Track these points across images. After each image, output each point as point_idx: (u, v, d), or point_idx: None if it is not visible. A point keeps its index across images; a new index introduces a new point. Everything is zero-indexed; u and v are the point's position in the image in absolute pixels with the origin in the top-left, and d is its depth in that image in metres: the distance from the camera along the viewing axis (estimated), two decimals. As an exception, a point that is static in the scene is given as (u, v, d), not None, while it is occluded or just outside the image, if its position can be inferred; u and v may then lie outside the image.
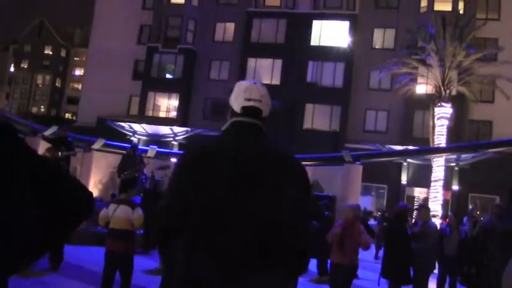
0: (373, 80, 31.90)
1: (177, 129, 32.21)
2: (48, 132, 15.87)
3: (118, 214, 5.99)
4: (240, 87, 2.29)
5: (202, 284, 1.96)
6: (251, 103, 2.23)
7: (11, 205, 1.34)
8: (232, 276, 1.95)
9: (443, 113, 22.00)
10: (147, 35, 38.05)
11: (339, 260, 6.76)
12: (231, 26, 36.56)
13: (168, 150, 23.77)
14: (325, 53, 33.17)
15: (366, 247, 7.09)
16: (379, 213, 23.19)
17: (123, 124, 31.73)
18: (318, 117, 33.34)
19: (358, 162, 16.94)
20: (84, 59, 66.70)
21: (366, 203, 23.48)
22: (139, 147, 16.98)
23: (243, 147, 2.13)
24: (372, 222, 18.53)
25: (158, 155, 18.01)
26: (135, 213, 5.99)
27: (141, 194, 13.66)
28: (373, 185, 30.31)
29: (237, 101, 2.24)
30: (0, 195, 1.31)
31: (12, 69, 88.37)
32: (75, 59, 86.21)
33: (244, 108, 2.22)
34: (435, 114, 22.35)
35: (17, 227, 1.37)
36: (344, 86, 33.28)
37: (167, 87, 36.34)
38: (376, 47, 33.92)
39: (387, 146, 28.28)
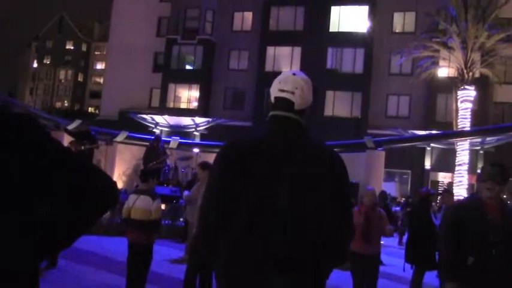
0: (394, 65, 31.49)
1: (198, 119, 32.39)
2: (71, 126, 16.12)
3: (137, 205, 6.07)
4: (279, 77, 2.30)
5: (246, 283, 1.99)
6: (283, 94, 2.22)
7: (38, 195, 1.38)
8: (272, 277, 1.97)
9: (467, 96, 21.67)
10: (166, 27, 38.19)
11: (362, 250, 6.04)
12: (249, 15, 36.43)
13: (190, 141, 23.96)
14: (345, 39, 32.84)
15: (389, 234, 6.67)
16: (403, 198, 23.03)
17: (145, 116, 32.05)
18: (338, 104, 33.11)
19: (380, 148, 16.83)
20: (104, 53, 67.26)
21: (389, 188, 23.29)
22: (162, 138, 17.13)
23: (282, 143, 2.12)
24: (395, 208, 18.42)
25: (180, 145, 18.16)
26: (154, 204, 6.05)
27: (165, 185, 13.84)
28: (396, 170, 30.06)
29: (273, 91, 2.26)
30: (28, 186, 1.34)
31: (35, 65, 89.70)
32: (96, 53, 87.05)
33: (276, 98, 2.24)
34: (458, 97, 22.02)
35: (45, 217, 1.41)
36: (364, 71, 32.95)
37: (187, 79, 36.47)
38: (396, 31, 33.44)
39: (410, 131, 28.00)
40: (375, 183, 15.83)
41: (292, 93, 2.22)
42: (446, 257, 3.66)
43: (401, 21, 33.47)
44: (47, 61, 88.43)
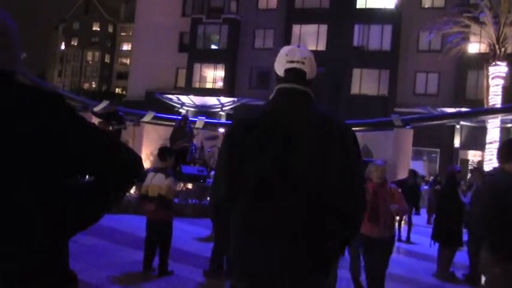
0: (423, 42, 30.80)
1: (224, 99, 32.42)
2: (98, 107, 16.33)
3: (154, 182, 6.21)
4: (282, 50, 2.29)
5: (254, 253, 2.02)
6: (294, 65, 2.21)
7: (66, 170, 1.41)
8: (281, 247, 1.99)
9: (498, 72, 21.09)
10: (191, 7, 38.09)
11: (371, 233, 5.21)
12: (274, -7, 36.03)
13: (216, 121, 24.02)
14: (372, 16, 32.21)
15: (400, 213, 5.88)
16: (431, 177, 22.74)
17: (171, 96, 32.22)
18: (366, 82, 32.68)
19: (408, 126, 16.59)
20: (130, 34, 67.64)
21: (418, 167, 22.97)
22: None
23: (289, 115, 2.12)
24: (424, 186, 18.22)
25: (206, 125, 18.24)
26: (165, 182, 6.17)
27: (192, 164, 13.94)
28: (424, 149, 29.64)
29: (280, 64, 2.24)
30: (55, 161, 1.37)
31: (62, 47, 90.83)
32: (122, 34, 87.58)
33: (287, 70, 2.21)
34: (489, 73, 21.45)
35: (73, 191, 1.44)
36: (392, 49, 32.35)
37: (213, 58, 36.44)
38: (425, 6, 32.62)
39: (439, 109, 27.47)
40: (403, 161, 15.67)
41: (303, 63, 2.22)
42: (491, 237, 3.46)
43: (431, -4, 32.62)
44: (74, 43, 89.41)
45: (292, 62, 2.21)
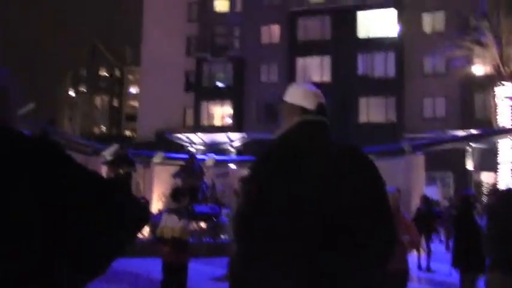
0: (427, 66, 30.96)
1: (233, 135, 32.50)
2: (109, 151, 16.43)
3: (167, 224, 6.16)
4: (305, 85, 2.40)
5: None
6: (322, 100, 2.31)
7: (62, 218, 1.36)
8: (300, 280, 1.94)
9: (505, 92, 21.06)
10: (195, 47, 38.68)
11: None
12: (276, 28, 36.57)
13: (226, 158, 24.04)
14: (374, 44, 32.53)
15: (412, 246, 5.35)
16: (446, 201, 22.45)
17: (180, 136, 32.36)
18: (373, 110, 32.72)
19: (419, 152, 16.50)
20: (137, 76, 68.66)
21: (432, 192, 22.75)
22: (198, 157, 17.25)
23: (318, 146, 2.15)
24: (438, 211, 17.93)
25: (216, 163, 18.25)
26: (179, 223, 6.11)
27: (204, 203, 13.87)
28: (437, 173, 29.36)
29: (307, 97, 2.30)
30: (49, 209, 1.32)
31: (71, 93, 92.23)
32: (129, 77, 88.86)
33: (318, 105, 2.28)
34: (496, 94, 21.42)
35: (75, 242, 1.38)
36: (397, 75, 32.51)
37: (219, 96, 36.77)
38: (427, 31, 32.90)
39: (448, 132, 27.35)
40: (416, 188, 15.51)
41: (324, 99, 2.34)
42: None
43: (431, 22, 32.92)
44: (82, 89, 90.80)
45: (320, 97, 2.33)
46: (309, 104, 2.28)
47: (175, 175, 13.89)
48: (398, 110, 32.16)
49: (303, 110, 2.27)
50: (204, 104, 37.08)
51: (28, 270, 1.29)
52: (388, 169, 15.80)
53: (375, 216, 2.05)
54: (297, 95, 2.32)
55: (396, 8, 32.96)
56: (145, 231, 11.70)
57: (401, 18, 32.78)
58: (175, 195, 6.54)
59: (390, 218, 2.12)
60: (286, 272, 1.95)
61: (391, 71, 32.70)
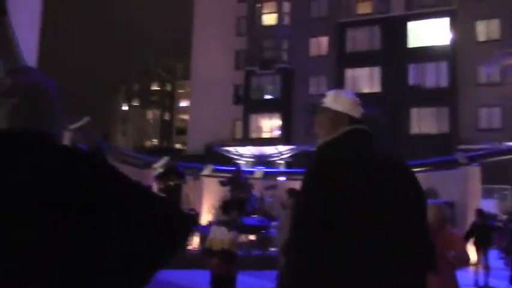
0: (482, 75, 29.95)
1: (282, 148, 32.50)
2: (159, 163, 16.74)
3: (216, 236, 6.17)
4: (350, 95, 2.38)
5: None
6: (362, 110, 2.33)
7: (108, 229, 1.35)
8: (370, 282, 1.93)
9: None
10: (244, 60, 39.06)
11: (430, 285, 4.40)
12: (324, 40, 36.45)
13: (275, 170, 24.03)
14: (426, 54, 31.82)
15: (460, 261, 4.75)
16: (505, 216, 21.51)
17: (229, 149, 32.67)
18: (425, 121, 31.92)
19: (474, 164, 15.92)
20: (187, 90, 69.94)
21: (489, 206, 21.86)
22: (247, 169, 17.32)
23: (369, 154, 2.15)
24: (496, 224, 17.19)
25: (265, 175, 18.25)
26: (228, 235, 6.10)
27: (253, 215, 13.87)
28: (495, 186, 28.23)
29: (356, 108, 2.30)
30: (94, 219, 1.32)
31: (124, 108, 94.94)
32: (180, 91, 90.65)
33: (362, 114, 2.30)
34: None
35: (118, 255, 1.37)
36: (450, 85, 31.63)
37: (268, 108, 36.89)
38: (480, 40, 31.91)
39: (505, 143, 26.30)
40: (471, 201, 14.97)
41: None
42: None
43: (485, 30, 31.92)
44: (135, 103, 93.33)
45: (361, 105, 2.34)
46: (356, 112, 2.28)
47: (223, 183, 13.98)
48: (451, 121, 31.25)
49: (351, 119, 2.25)
50: (252, 117, 37.30)
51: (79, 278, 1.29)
52: (442, 182, 15.39)
53: (414, 228, 2.03)
54: (345, 104, 2.30)
55: (449, 17, 32.18)
56: (195, 243, 11.80)
57: (453, 26, 31.96)
58: (225, 207, 6.57)
59: (427, 231, 2.12)
60: (340, 284, 1.92)
61: (444, 81, 31.86)
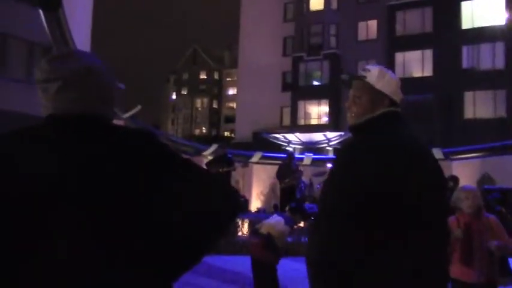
0: (541, 56, 28.57)
1: (330, 134, 32.18)
2: (208, 151, 16.95)
3: (270, 221, 6.17)
4: (394, 76, 2.24)
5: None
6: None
7: (163, 207, 1.39)
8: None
9: None
10: (291, 46, 38.82)
11: (465, 277, 4.19)
12: (373, 24, 35.68)
13: (324, 156, 23.84)
14: (481, 35, 30.58)
15: (503, 251, 4.34)
16: None
17: (277, 135, 32.65)
18: (480, 105, 30.79)
19: (533, 149, 15.26)
20: (235, 78, 70.28)
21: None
22: (296, 156, 17.26)
23: (408, 137, 2.02)
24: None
25: (314, 161, 18.14)
26: (281, 226, 6.06)
27: (302, 202, 13.83)
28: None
29: (397, 92, 2.19)
30: (152, 198, 1.36)
31: (174, 97, 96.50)
32: (227, 79, 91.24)
33: (401, 100, 2.19)
34: None
35: (172, 229, 1.40)
36: (507, 66, 30.30)
37: (316, 95, 36.59)
38: (540, 18, 30.38)
39: None
40: (531, 187, 14.35)
41: None
42: None
43: (546, 7, 30.35)
44: (184, 92, 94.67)
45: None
46: (398, 96, 2.17)
47: (278, 176, 13.96)
48: (508, 104, 29.99)
49: (391, 102, 2.14)
50: (301, 103, 37.10)
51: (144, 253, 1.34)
52: (499, 167, 14.82)
53: (433, 214, 1.89)
54: (390, 84, 2.17)
55: (505, -5, 30.76)
56: (245, 229, 11.90)
57: (509, 5, 30.53)
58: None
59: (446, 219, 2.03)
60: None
61: (500, 62, 30.55)
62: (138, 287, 1.33)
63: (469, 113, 31.04)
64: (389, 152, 1.94)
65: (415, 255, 1.80)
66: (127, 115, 14.86)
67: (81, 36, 14.72)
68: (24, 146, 1.35)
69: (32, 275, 1.25)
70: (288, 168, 13.78)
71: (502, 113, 30.18)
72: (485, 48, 30.89)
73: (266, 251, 6.02)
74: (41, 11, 12.33)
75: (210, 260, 8.71)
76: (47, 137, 1.37)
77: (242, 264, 9.29)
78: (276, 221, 6.18)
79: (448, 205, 1.97)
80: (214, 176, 1.55)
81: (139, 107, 15.56)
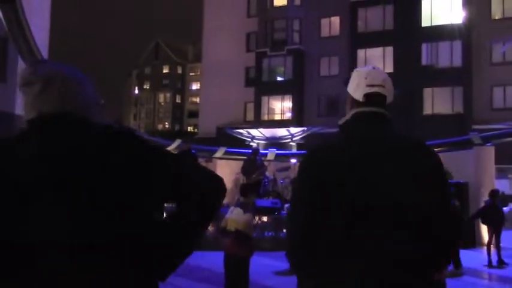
0: (497, 54, 29.54)
1: (293, 129, 32.41)
2: (172, 146, 16.80)
3: (232, 216, 6.21)
4: (360, 73, 2.13)
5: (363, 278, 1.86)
6: (374, 89, 2.07)
7: (154, 198, 1.45)
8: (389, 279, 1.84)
9: None
10: (255, 42, 38.85)
11: None
12: (336, 20, 36.06)
13: (287, 152, 24.00)
14: (439, 33, 31.35)
15: None
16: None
17: (241, 131, 32.66)
18: (438, 101, 31.61)
19: (489, 144, 15.77)
20: (198, 73, 69.89)
21: (503, 186, 21.72)
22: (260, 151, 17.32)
23: (369, 140, 1.98)
24: (510, 208, 17.13)
25: (278, 157, 18.24)
26: (243, 217, 6.13)
27: (266, 197, 13.92)
28: (508, 166, 28.00)
29: (358, 88, 2.09)
30: (143, 191, 1.42)
31: (136, 91, 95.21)
32: (191, 74, 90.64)
33: (367, 95, 2.06)
34: None
35: (156, 230, 1.44)
36: (464, 64, 31.19)
37: (279, 90, 36.75)
38: (496, 17, 31.36)
39: (521, 123, 26.00)
40: (485, 181, 14.86)
41: (383, 86, 2.08)
42: None
43: (501, 7, 31.33)
44: (146, 86, 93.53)
45: (372, 85, 2.07)
46: (357, 95, 2.14)
47: (243, 171, 13.98)
48: (465, 101, 30.90)
49: (354, 102, 2.16)
50: (264, 99, 37.20)
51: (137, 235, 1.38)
52: (456, 162, 15.28)
53: (448, 217, 1.93)
54: (351, 83, 2.16)
55: (462, -6, 31.61)
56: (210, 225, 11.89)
57: (467, 4, 31.41)
58: (243, 190, 6.58)
59: (451, 211, 2.01)
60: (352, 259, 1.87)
61: (458, 60, 31.43)
62: (128, 281, 1.35)
63: (428, 109, 31.81)
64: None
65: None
66: (88, 110, 14.57)
67: (40, 29, 14.33)
68: (13, 147, 1.40)
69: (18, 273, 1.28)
70: (253, 163, 13.83)
71: (459, 109, 31.07)
72: (443, 46, 31.69)
73: (240, 247, 6.11)
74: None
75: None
76: (33, 137, 1.41)
77: (208, 259, 9.29)
78: (236, 215, 6.23)
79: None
80: (200, 164, 1.66)
81: (101, 102, 15.25)
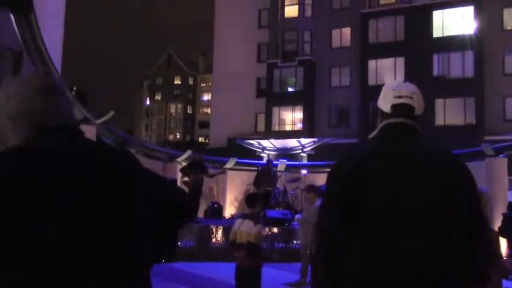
0: (509, 64, 29.35)
1: (304, 140, 32.29)
2: (182, 157, 16.85)
3: (242, 229, 6.18)
4: (388, 86, 2.22)
5: None
6: (402, 100, 2.12)
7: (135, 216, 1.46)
8: (413, 280, 1.84)
9: None
10: (266, 53, 38.99)
11: None
12: (347, 31, 36.12)
13: (298, 163, 23.95)
14: (451, 44, 31.27)
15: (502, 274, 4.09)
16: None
17: (251, 141, 32.65)
18: (450, 112, 31.43)
19: (501, 155, 15.63)
20: (210, 84, 70.18)
21: (516, 198, 21.45)
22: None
23: (398, 153, 2.00)
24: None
25: (288, 168, 18.22)
26: (254, 228, 6.11)
27: (276, 208, 13.89)
28: (522, 178, 27.70)
29: (385, 100, 2.15)
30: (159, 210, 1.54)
31: (148, 102, 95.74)
32: (202, 85, 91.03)
33: (394, 106, 2.11)
34: None
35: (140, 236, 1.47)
36: (476, 75, 31.03)
37: (290, 101, 36.79)
38: (508, 28, 31.21)
39: (534, 134, 25.74)
40: (499, 193, 14.70)
41: (411, 98, 2.15)
42: None
43: (512, 17, 31.20)
44: (158, 97, 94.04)
45: (400, 97, 2.13)
46: (385, 106, 2.22)
47: (255, 183, 13.99)
48: (477, 112, 30.70)
49: (383, 114, 2.25)
50: (275, 110, 37.25)
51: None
52: (468, 173, 15.14)
53: (483, 236, 1.95)
54: (381, 96, 2.26)
55: (473, 5, 31.54)
56: (219, 236, 11.87)
57: (479, 14, 31.31)
58: (250, 200, 6.57)
59: (487, 232, 1.99)
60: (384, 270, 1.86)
61: (469, 71, 31.28)
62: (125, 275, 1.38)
63: (439, 119, 31.64)
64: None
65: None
66: (100, 121, 14.67)
67: (53, 41, 14.50)
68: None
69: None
70: (266, 174, 13.84)
71: (471, 120, 30.85)
72: (455, 56, 31.58)
73: (253, 258, 6.13)
74: (11, 15, 12.12)
75: (182, 266, 8.67)
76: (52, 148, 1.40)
77: (217, 271, 9.27)
78: (247, 227, 6.20)
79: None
80: (170, 181, 1.83)
81: (112, 113, 15.37)
